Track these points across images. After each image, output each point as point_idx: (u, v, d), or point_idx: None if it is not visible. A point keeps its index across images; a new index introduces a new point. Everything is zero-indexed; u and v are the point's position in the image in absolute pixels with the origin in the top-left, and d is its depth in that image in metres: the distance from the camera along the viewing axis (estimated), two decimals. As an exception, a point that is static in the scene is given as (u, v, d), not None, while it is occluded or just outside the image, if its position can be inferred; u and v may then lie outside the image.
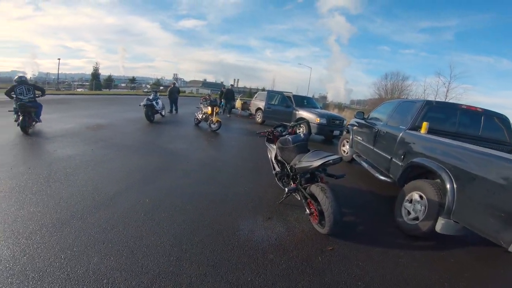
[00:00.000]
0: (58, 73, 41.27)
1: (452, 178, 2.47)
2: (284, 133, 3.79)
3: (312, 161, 2.61)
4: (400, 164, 3.44)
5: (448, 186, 2.47)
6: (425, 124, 3.35)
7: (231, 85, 14.31)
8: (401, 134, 3.64)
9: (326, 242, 2.59)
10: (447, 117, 3.90)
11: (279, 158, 3.43)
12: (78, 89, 36.13)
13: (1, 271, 1.79)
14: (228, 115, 12.91)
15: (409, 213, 2.93)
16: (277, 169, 3.49)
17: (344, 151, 6.32)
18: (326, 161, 2.50)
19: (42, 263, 1.90)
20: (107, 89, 38.16)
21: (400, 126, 3.82)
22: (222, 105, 13.89)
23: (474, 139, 3.65)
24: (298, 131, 8.64)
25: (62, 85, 39.88)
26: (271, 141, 3.87)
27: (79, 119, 8.51)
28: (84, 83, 46.96)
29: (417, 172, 3.18)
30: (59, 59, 38.42)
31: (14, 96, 6.04)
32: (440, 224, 2.49)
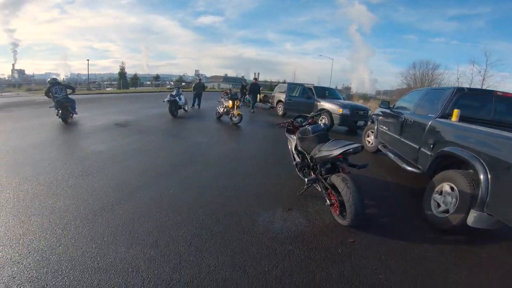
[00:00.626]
0: (88, 74, 44.32)
1: (486, 168, 2.29)
2: (304, 124, 3.73)
3: (332, 150, 2.55)
4: (429, 154, 3.27)
5: (481, 176, 2.29)
6: (456, 112, 3.16)
7: (255, 78, 13.73)
8: (430, 123, 3.45)
9: (347, 234, 2.53)
10: (481, 105, 3.66)
11: (299, 148, 3.40)
12: (107, 88, 38.13)
13: (38, 260, 1.92)
14: (252, 110, 12.53)
15: (438, 205, 2.77)
16: (298, 159, 3.47)
17: (369, 142, 6.13)
18: (347, 150, 2.42)
19: (75, 253, 2.03)
20: (134, 87, 39.82)
21: (429, 114, 3.64)
22: (248, 99, 13.82)
23: (511, 127, 3.36)
24: (319, 122, 8.50)
25: (92, 85, 42.37)
26: (291, 132, 3.84)
27: (108, 116, 9.01)
28: (112, 82, 49.39)
29: (448, 162, 3.01)
30: (88, 60, 41.37)
31: (51, 95, 7.38)
32: (472, 217, 2.33)
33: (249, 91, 13.22)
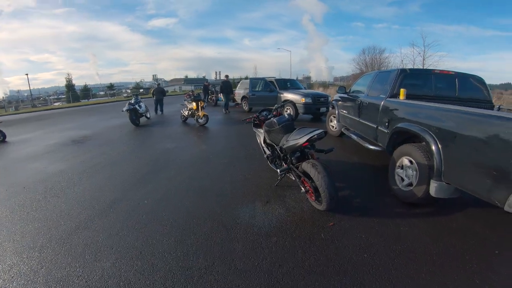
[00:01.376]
0: (30, 89, 39.85)
1: (436, 139, 2.50)
2: (269, 117, 3.83)
3: (298, 139, 2.68)
4: (386, 131, 3.52)
5: (433, 147, 2.49)
6: (402, 91, 3.46)
7: (226, 76, 12.72)
8: (382, 103, 3.74)
9: (326, 219, 2.67)
10: (423, 83, 4.01)
11: (268, 141, 3.49)
12: (55, 103, 34.80)
13: (24, 285, 1.88)
14: (226, 111, 11.58)
15: (402, 179, 2.96)
16: (268, 152, 3.56)
17: (333, 127, 6.43)
18: (311, 137, 2.56)
19: (61, 274, 1.98)
20: (86, 99, 36.98)
21: (381, 95, 3.92)
22: (220, 100, 12.96)
23: (452, 100, 3.78)
24: (284, 113, 8.76)
25: (37, 101, 38.35)
26: (258, 126, 3.92)
27: (62, 133, 8.36)
28: (60, 96, 45.31)
29: (403, 137, 3.25)
30: (27, 74, 37.15)
31: None
32: (433, 188, 2.49)
33: (221, 89, 12.19)
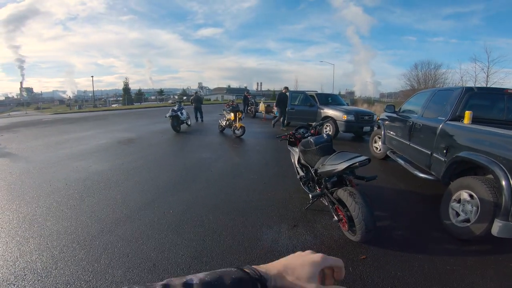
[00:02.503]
0: (93, 91, 45.33)
1: (508, 174, 2.10)
2: (306, 135, 3.58)
3: (337, 164, 2.38)
4: (443, 159, 3.07)
5: (503, 183, 2.10)
6: (468, 114, 2.98)
7: (286, 87, 10.77)
8: (440, 126, 3.27)
9: (358, 250, 2.34)
10: (492, 104, 3.47)
11: (302, 161, 3.24)
12: (113, 105, 38.83)
13: (32, 284, 1.88)
14: (283, 128, 9.87)
15: (458, 214, 2.57)
16: (301, 173, 3.30)
17: (377, 148, 5.92)
18: (352, 164, 2.25)
19: (71, 277, 1.97)
20: (138, 103, 40.46)
21: (439, 117, 3.45)
22: (276, 114, 11.18)
23: None
24: (324, 131, 8.27)
25: (98, 101, 43.37)
26: (293, 144, 3.69)
27: (112, 134, 9.09)
28: (118, 99, 50.42)
29: (464, 168, 2.83)
30: (92, 76, 42.54)
31: None
32: (497, 227, 2.13)
33: (277, 103, 10.39)
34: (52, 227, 2.72)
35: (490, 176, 2.34)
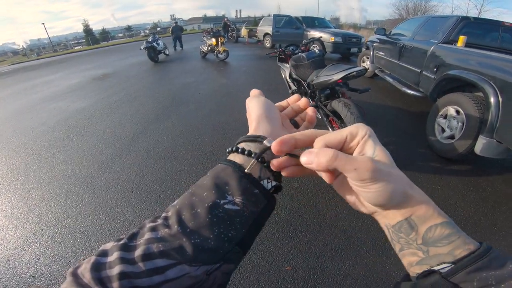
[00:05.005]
0: (48, 37, 39.93)
1: (497, 91, 2.11)
2: (296, 52, 3.42)
3: (332, 75, 2.32)
4: (433, 77, 3.13)
5: (492, 99, 2.11)
6: (462, 38, 3.00)
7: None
8: (432, 47, 3.32)
9: None
10: (486, 34, 3.47)
11: (294, 76, 3.18)
12: (75, 47, 34.80)
13: (53, 237, 1.83)
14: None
15: (443, 130, 2.66)
16: (293, 87, 3.29)
17: (365, 67, 5.90)
18: (349, 73, 2.18)
19: (85, 223, 1.93)
20: (105, 42, 36.56)
21: (431, 40, 3.49)
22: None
23: None
24: (315, 49, 8.10)
25: (58, 46, 38.65)
26: (284, 60, 3.60)
27: (84, 73, 8.34)
28: (80, 41, 45.21)
29: (452, 85, 2.87)
30: (43, 23, 37.28)
31: None
32: (481, 144, 2.17)
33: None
34: (49, 173, 2.61)
35: (480, 93, 2.37)
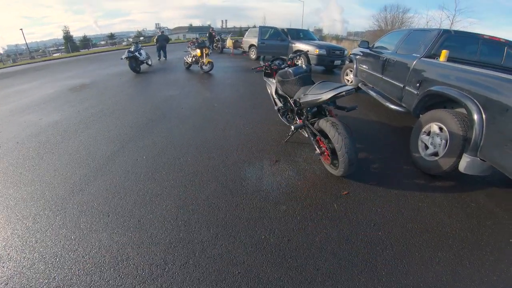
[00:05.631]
0: (26, 42, 38.27)
1: (481, 108, 2.10)
2: (283, 66, 3.37)
3: (321, 94, 2.24)
4: (415, 92, 3.13)
5: (475, 117, 2.10)
6: (444, 52, 3.02)
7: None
8: (414, 62, 3.33)
9: (340, 186, 2.40)
10: (466, 47, 3.54)
11: (280, 92, 3.13)
12: (54, 54, 33.53)
13: (18, 265, 1.66)
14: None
15: (426, 147, 2.66)
16: (279, 104, 3.23)
17: (348, 80, 6.14)
18: (338, 93, 2.11)
19: (56, 248, 1.77)
20: (86, 49, 35.53)
21: (413, 54, 3.50)
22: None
23: (498, 68, 3.30)
24: (297, 64, 8.10)
25: (36, 53, 37.10)
26: (269, 75, 3.55)
27: (60, 82, 7.96)
28: (59, 48, 43.68)
29: (435, 101, 2.89)
30: (21, 29, 36.04)
31: None
32: (464, 163, 2.17)
33: None
34: (16, 194, 2.37)
35: (462, 110, 2.37)
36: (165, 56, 12.09)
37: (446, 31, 3.45)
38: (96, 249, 1.75)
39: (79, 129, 3.86)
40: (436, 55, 3.20)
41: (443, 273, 1.60)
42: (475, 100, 2.18)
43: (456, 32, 3.62)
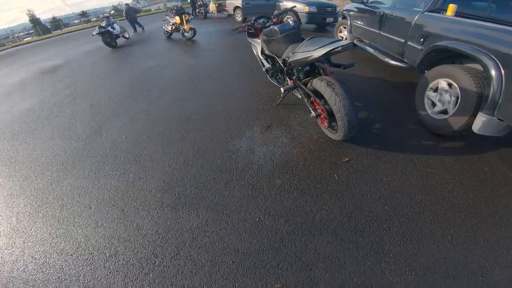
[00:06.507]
0: None
1: (499, 64, 1.86)
2: (268, 24, 2.99)
3: (312, 51, 1.92)
4: (419, 47, 2.88)
5: (493, 73, 1.87)
6: (452, 6, 2.70)
7: None
8: (417, 17, 3.05)
9: (340, 152, 2.17)
10: (473, 2, 3.15)
11: (266, 52, 2.81)
12: (25, 39, 31.36)
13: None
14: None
15: (433, 104, 2.43)
16: (267, 65, 2.91)
17: (342, 37, 5.68)
18: (332, 49, 1.77)
19: (44, 247, 1.68)
20: (59, 30, 33.18)
21: (415, 8, 3.20)
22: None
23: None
24: (289, 21, 7.53)
25: (6, 40, 34.63)
26: (254, 35, 3.19)
27: (31, 66, 7.41)
28: (30, 32, 40.80)
29: (442, 57, 2.64)
30: None
31: None
32: (480, 122, 1.93)
33: None
34: None
35: (477, 66, 2.13)
36: (141, 26, 11.48)
37: None
38: (83, 246, 1.62)
39: (52, 114, 3.55)
40: (440, 10, 2.90)
41: (455, 252, 1.40)
42: (492, 56, 1.93)
43: None
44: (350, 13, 5.13)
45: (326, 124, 2.20)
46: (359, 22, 4.74)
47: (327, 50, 1.78)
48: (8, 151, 2.79)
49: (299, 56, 2.04)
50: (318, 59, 1.94)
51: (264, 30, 2.72)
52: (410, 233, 1.51)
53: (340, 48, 1.75)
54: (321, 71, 2.32)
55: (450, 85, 2.25)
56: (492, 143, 2.27)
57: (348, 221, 1.60)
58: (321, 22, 7.83)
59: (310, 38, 2.09)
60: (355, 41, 4.91)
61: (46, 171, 2.35)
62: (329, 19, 7.71)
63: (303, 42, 2.11)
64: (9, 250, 1.66)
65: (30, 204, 2.01)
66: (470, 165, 2.01)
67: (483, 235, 1.48)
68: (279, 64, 2.65)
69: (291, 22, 2.63)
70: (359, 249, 1.44)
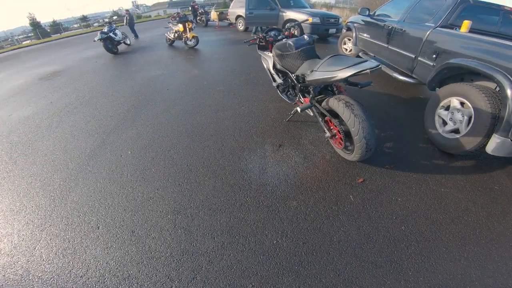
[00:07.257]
0: None
1: None
2: (279, 38, 2.94)
3: (337, 71, 1.78)
4: (432, 64, 2.85)
5: (509, 93, 1.85)
6: (466, 23, 2.72)
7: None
8: (429, 32, 3.03)
9: (354, 172, 2.12)
10: (485, 18, 3.21)
11: (278, 67, 2.73)
12: (24, 42, 31.16)
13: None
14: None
15: (445, 123, 2.40)
16: (279, 80, 2.86)
17: (346, 49, 5.75)
18: (360, 71, 1.64)
19: (52, 267, 1.57)
20: (58, 34, 33.08)
21: (427, 24, 3.19)
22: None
23: None
24: (294, 34, 7.51)
25: (5, 42, 34.38)
26: (265, 48, 3.13)
27: (30, 71, 7.27)
28: (29, 35, 40.67)
29: (454, 74, 2.63)
30: None
31: None
32: (494, 144, 1.92)
33: None
34: None
35: (492, 85, 2.12)
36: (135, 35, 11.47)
37: (464, 0, 3.11)
38: (94, 268, 1.53)
39: (53, 124, 3.43)
40: (453, 26, 2.91)
41: (472, 269, 1.43)
42: (508, 76, 1.91)
43: (475, 1, 3.28)
44: (355, 25, 5.16)
45: (341, 145, 2.13)
46: (365, 35, 4.75)
47: (355, 72, 1.65)
48: (6, 163, 2.66)
49: (320, 75, 1.93)
50: (342, 80, 1.87)
51: (277, 44, 2.65)
52: (428, 251, 1.52)
53: (368, 70, 1.63)
54: (335, 89, 2.27)
55: (462, 103, 2.23)
56: (499, 160, 2.28)
57: (366, 242, 1.58)
58: (324, 33, 7.88)
59: (331, 57, 1.98)
60: (360, 54, 4.92)
61: (47, 187, 2.24)
62: (332, 30, 7.78)
63: (323, 60, 2.00)
64: (12, 269, 1.57)
65: (32, 221, 1.90)
66: (481, 184, 2.03)
67: (497, 251, 1.53)
68: (291, 79, 2.60)
69: (306, 37, 2.56)
70: (378, 269, 1.44)
